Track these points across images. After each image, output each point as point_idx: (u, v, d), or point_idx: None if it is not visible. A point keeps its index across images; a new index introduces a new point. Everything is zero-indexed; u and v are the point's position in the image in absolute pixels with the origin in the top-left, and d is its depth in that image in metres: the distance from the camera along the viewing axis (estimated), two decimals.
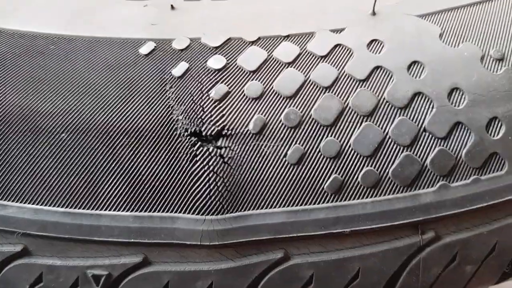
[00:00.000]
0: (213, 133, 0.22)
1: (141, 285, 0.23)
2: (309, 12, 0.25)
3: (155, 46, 0.23)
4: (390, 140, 0.22)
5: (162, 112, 0.22)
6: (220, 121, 0.22)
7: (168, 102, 0.22)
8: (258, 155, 0.22)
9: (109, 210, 0.22)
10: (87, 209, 0.22)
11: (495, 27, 0.24)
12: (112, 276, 0.23)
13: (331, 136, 0.22)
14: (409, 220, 0.22)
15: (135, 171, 0.22)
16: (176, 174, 0.22)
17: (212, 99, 0.22)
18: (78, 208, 0.22)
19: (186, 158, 0.22)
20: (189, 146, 0.22)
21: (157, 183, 0.22)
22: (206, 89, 0.22)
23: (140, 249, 0.22)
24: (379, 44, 0.23)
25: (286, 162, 0.22)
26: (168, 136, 0.22)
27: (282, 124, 0.22)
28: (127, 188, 0.22)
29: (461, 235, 0.23)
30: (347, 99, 0.22)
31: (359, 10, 0.25)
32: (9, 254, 0.23)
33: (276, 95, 0.22)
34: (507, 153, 0.22)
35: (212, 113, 0.22)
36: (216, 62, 0.23)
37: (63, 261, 0.23)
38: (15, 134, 0.22)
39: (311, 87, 0.22)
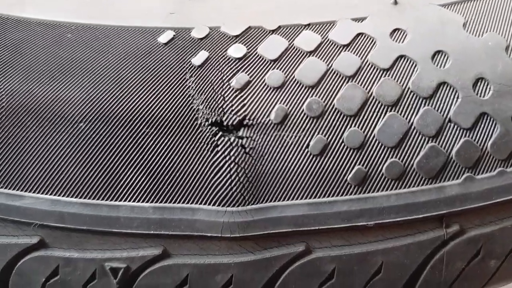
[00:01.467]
0: (234, 123, 0.21)
1: (160, 278, 0.22)
2: (330, 1, 0.25)
3: (174, 35, 0.23)
4: (415, 130, 0.21)
5: (183, 101, 0.22)
6: (242, 111, 0.22)
7: (188, 91, 0.22)
8: (280, 146, 0.21)
9: (129, 201, 0.21)
10: (106, 200, 0.22)
11: None
12: (131, 269, 0.22)
13: (354, 126, 0.21)
14: (434, 213, 0.22)
15: (155, 161, 0.21)
16: (197, 165, 0.21)
17: (233, 88, 0.22)
18: (97, 199, 0.22)
19: (207, 148, 0.21)
20: (210, 136, 0.21)
21: (178, 174, 0.21)
22: (227, 78, 0.22)
23: (159, 241, 0.22)
24: (402, 33, 0.23)
25: (309, 153, 0.21)
26: (189, 126, 0.21)
27: (305, 114, 0.21)
28: (147, 179, 0.21)
29: (486, 229, 0.22)
30: (370, 88, 0.22)
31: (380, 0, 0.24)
32: (25, 246, 0.23)
33: (298, 84, 0.22)
34: None
35: (233, 102, 0.22)
36: (236, 50, 0.23)
37: (81, 254, 0.23)
38: (32, 123, 0.22)
39: (334, 76, 0.22)
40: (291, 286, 0.23)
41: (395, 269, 0.22)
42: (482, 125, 0.22)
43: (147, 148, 0.21)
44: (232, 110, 0.22)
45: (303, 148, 0.21)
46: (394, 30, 0.23)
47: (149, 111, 0.21)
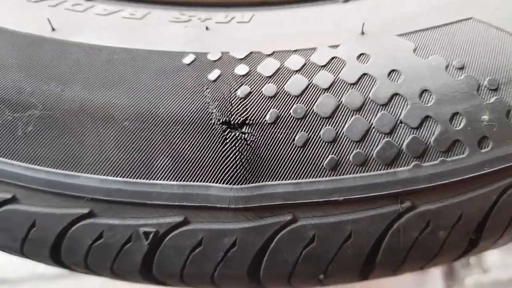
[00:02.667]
0: (239, 122, 0.29)
1: (181, 240, 0.29)
2: (313, 32, 0.32)
3: (195, 58, 0.31)
4: (374, 129, 0.28)
5: (201, 107, 0.29)
6: (244, 114, 0.29)
7: (205, 99, 0.29)
8: (272, 140, 0.28)
9: (159, 180, 0.29)
10: (143, 179, 0.29)
11: (457, 43, 0.30)
12: (159, 232, 0.29)
13: (328, 125, 0.28)
14: (390, 191, 0.28)
15: (180, 150, 0.28)
16: (211, 153, 0.28)
17: (238, 97, 0.29)
18: (136, 178, 0.29)
19: (218, 141, 0.28)
20: (221, 132, 0.29)
21: (197, 160, 0.28)
22: (234, 90, 0.29)
23: (181, 211, 0.29)
24: (366, 56, 0.30)
25: (294, 145, 0.28)
26: (206, 125, 0.29)
27: (291, 116, 0.29)
28: (174, 163, 0.28)
29: (433, 206, 0.29)
30: (341, 98, 0.29)
31: (351, 31, 0.32)
32: (78, 215, 0.30)
33: (287, 94, 0.29)
34: (467, 140, 0.28)
35: (238, 107, 0.29)
36: (241, 69, 0.30)
37: (121, 221, 0.30)
38: (88, 122, 0.29)
39: (314, 88, 0.29)
40: (281, 248, 0.29)
41: (362, 235, 0.29)
42: (426, 125, 0.29)
43: (174, 141, 0.29)
44: (238, 113, 0.29)
45: (290, 142, 0.28)
46: (360, 54, 0.30)
47: (177, 113, 0.29)
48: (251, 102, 0.29)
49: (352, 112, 0.29)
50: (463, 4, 0.33)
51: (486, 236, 0.31)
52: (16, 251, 0.33)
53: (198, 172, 0.28)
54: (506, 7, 0.32)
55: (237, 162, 0.28)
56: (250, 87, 0.29)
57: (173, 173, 0.29)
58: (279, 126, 0.29)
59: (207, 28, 0.33)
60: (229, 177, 0.28)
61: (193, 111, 0.29)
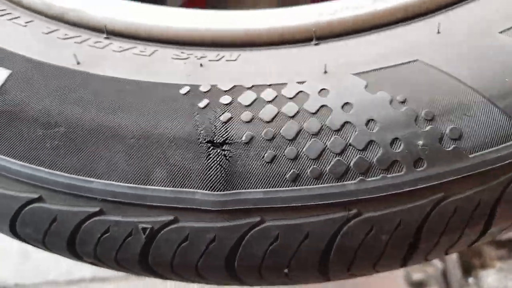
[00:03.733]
0: (221, 142, 0.36)
1: (171, 235, 0.36)
2: (286, 70, 0.40)
3: (189, 89, 0.38)
4: (328, 150, 0.35)
5: (192, 128, 0.36)
6: (225, 135, 0.36)
7: (195, 123, 0.37)
8: (247, 156, 0.36)
9: (156, 186, 0.36)
10: (143, 185, 0.36)
11: (402, 81, 0.37)
12: (154, 228, 0.36)
13: (292, 146, 0.36)
14: (340, 200, 0.35)
15: (174, 162, 0.36)
16: (198, 165, 0.36)
17: (221, 121, 0.37)
18: (137, 184, 0.36)
19: (204, 156, 0.36)
20: (206, 149, 0.36)
21: (186, 170, 0.36)
22: (218, 116, 0.37)
23: (172, 212, 0.36)
24: (327, 91, 0.37)
25: (264, 161, 0.35)
26: (194, 143, 0.36)
27: (262, 137, 0.36)
28: (168, 173, 0.36)
29: (376, 213, 0.35)
30: (303, 124, 0.36)
31: (316, 70, 0.39)
32: (90, 212, 0.37)
33: (260, 120, 0.36)
34: (404, 161, 0.35)
35: (221, 130, 0.36)
36: (225, 99, 0.38)
37: (124, 218, 0.37)
38: (103, 138, 0.37)
39: (282, 116, 0.36)
40: (251, 244, 0.36)
41: (317, 236, 0.36)
42: (371, 148, 0.35)
43: (169, 155, 0.36)
44: (220, 134, 0.36)
45: (261, 158, 0.35)
46: (322, 89, 0.37)
47: (172, 133, 0.36)
48: (231, 126, 0.36)
49: (311, 135, 0.36)
50: (411, 49, 0.40)
51: (423, 241, 0.37)
52: (39, 242, 0.41)
53: (187, 180, 0.36)
54: (445, 52, 0.39)
55: (218, 173, 0.35)
56: (231, 113, 0.37)
57: (167, 181, 0.36)
58: (252, 145, 0.36)
59: (201, 65, 0.41)
60: (212, 185, 0.36)
61: (185, 132, 0.36)
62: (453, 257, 1.35)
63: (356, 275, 0.42)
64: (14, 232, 0.41)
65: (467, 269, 1.38)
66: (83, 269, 1.28)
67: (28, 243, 0.43)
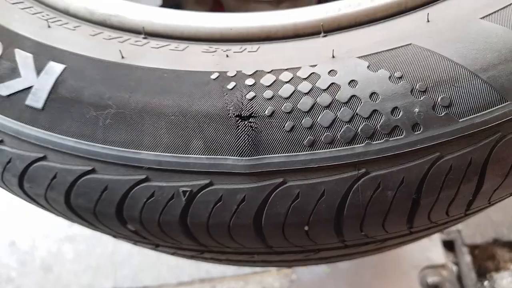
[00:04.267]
0: (247, 115, 0.43)
1: (208, 197, 0.43)
2: (299, 57, 0.47)
3: (218, 75, 0.45)
4: (338, 119, 0.42)
5: (222, 105, 0.43)
6: (251, 110, 0.43)
7: (225, 101, 0.43)
8: (270, 127, 0.42)
9: (194, 154, 0.42)
10: (183, 154, 0.43)
11: (399, 61, 0.44)
12: (192, 191, 0.43)
13: (308, 117, 0.42)
14: (350, 161, 0.41)
15: (208, 134, 0.42)
16: (228, 136, 0.42)
17: (247, 99, 0.43)
18: (178, 153, 0.43)
19: (234, 128, 0.42)
20: (235, 122, 0.42)
21: (219, 140, 0.42)
22: (244, 94, 0.44)
23: (208, 176, 0.42)
24: (335, 72, 0.44)
25: (284, 130, 0.42)
26: (225, 117, 0.43)
27: (282, 111, 0.42)
28: (204, 143, 0.42)
29: (382, 172, 0.42)
30: (316, 98, 0.43)
31: (325, 55, 0.46)
32: (138, 179, 0.43)
33: (280, 97, 0.43)
34: (404, 126, 0.41)
35: (247, 106, 0.43)
36: (249, 81, 0.44)
37: (167, 183, 0.43)
38: (148, 116, 0.44)
39: (298, 92, 0.43)
40: (276, 202, 0.42)
41: (332, 193, 0.42)
42: (374, 116, 0.42)
43: (204, 128, 0.43)
44: (246, 109, 0.43)
45: (281, 128, 0.42)
46: (331, 71, 0.44)
47: (206, 110, 0.43)
48: (255, 102, 0.43)
49: (324, 108, 0.42)
50: (404, 35, 0.47)
51: (425, 196, 0.43)
52: (89, 211, 0.47)
53: (219, 148, 0.42)
54: (434, 36, 0.45)
55: (246, 142, 0.42)
56: (255, 92, 0.44)
57: (203, 150, 0.42)
58: (274, 117, 0.42)
59: (227, 56, 0.48)
60: (241, 152, 0.42)
61: (217, 108, 0.43)
62: (467, 260, 1.39)
63: (368, 235, 0.48)
64: (68, 204, 0.47)
65: (482, 272, 1.41)
66: (104, 282, 1.34)
67: (78, 215, 0.49)
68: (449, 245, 1.43)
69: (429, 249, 1.38)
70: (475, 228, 1.46)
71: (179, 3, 0.94)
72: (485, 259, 1.45)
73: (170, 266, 1.31)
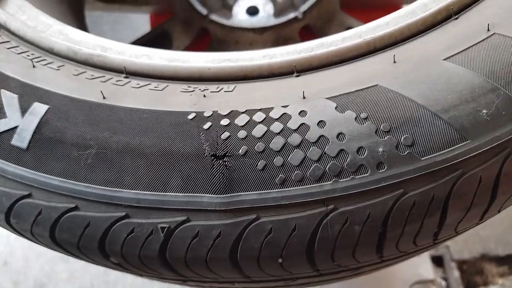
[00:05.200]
0: (222, 155, 0.45)
1: (185, 232, 0.45)
2: (272, 97, 0.49)
3: (195, 115, 0.48)
4: (307, 158, 0.44)
5: (199, 146, 0.46)
6: (226, 149, 0.45)
7: (201, 141, 0.46)
8: (243, 165, 0.45)
9: (172, 192, 0.45)
10: (161, 192, 0.45)
11: (364, 102, 0.47)
12: (170, 227, 0.45)
13: (279, 156, 0.45)
14: (319, 198, 0.44)
15: (185, 173, 0.45)
16: (204, 174, 0.45)
17: (222, 139, 0.46)
18: (157, 192, 0.45)
19: (209, 167, 0.45)
20: (211, 161, 0.45)
21: (195, 179, 0.45)
22: (219, 134, 0.46)
23: (185, 213, 0.45)
24: (305, 112, 0.47)
25: (257, 169, 0.44)
26: (201, 157, 0.45)
27: (255, 150, 0.45)
28: (182, 181, 0.45)
29: (349, 207, 0.44)
30: (287, 138, 0.45)
31: (297, 96, 0.48)
32: (118, 217, 0.46)
33: (253, 137, 0.46)
34: (369, 164, 0.44)
35: (222, 146, 0.45)
36: (224, 121, 0.47)
37: (146, 220, 0.45)
38: (128, 156, 0.46)
39: (270, 133, 0.46)
40: (250, 237, 0.44)
41: (303, 228, 0.44)
42: (341, 155, 0.44)
43: (181, 167, 0.45)
44: (221, 149, 0.45)
45: (254, 167, 0.44)
46: (301, 111, 0.47)
47: (183, 150, 0.45)
48: (230, 142, 0.46)
49: (294, 147, 0.45)
50: (372, 76, 0.49)
51: (390, 230, 0.45)
52: (73, 245, 0.49)
53: (196, 186, 0.45)
54: (399, 77, 0.48)
55: (221, 180, 0.44)
56: (229, 132, 0.46)
57: (180, 188, 0.45)
58: (248, 157, 0.45)
59: (204, 96, 0.50)
60: (216, 190, 0.44)
61: (194, 148, 0.46)
62: (456, 275, 1.41)
63: (341, 265, 0.50)
64: (53, 238, 0.49)
65: (470, 287, 1.43)
66: None
67: (63, 248, 0.51)
68: (437, 261, 1.45)
69: (418, 265, 1.40)
70: (463, 244, 1.48)
71: (166, 31, 0.97)
72: (473, 274, 1.47)
73: (163, 285, 1.32)
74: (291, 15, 0.98)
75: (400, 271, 1.41)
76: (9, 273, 1.41)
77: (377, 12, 1.15)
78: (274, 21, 0.98)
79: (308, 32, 1.02)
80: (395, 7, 1.12)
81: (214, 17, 0.98)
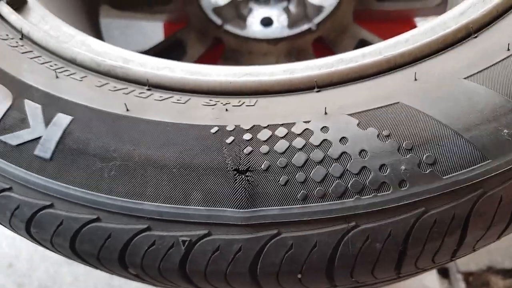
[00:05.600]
0: (244, 169, 0.45)
1: (205, 246, 0.45)
2: (294, 112, 0.50)
3: (218, 129, 0.48)
4: (329, 174, 0.44)
5: (221, 159, 0.46)
6: (248, 164, 0.45)
7: (224, 155, 0.46)
8: (265, 181, 0.45)
9: (194, 206, 0.45)
10: (183, 205, 0.45)
11: (386, 119, 0.47)
12: (192, 241, 0.45)
13: (301, 172, 0.45)
14: (340, 214, 0.44)
15: (207, 186, 0.45)
16: (226, 188, 0.45)
17: (245, 154, 0.46)
18: (179, 205, 0.45)
19: (231, 181, 0.45)
20: (233, 176, 0.45)
21: (218, 193, 0.45)
22: (242, 149, 0.46)
23: (207, 226, 0.45)
24: (327, 128, 0.47)
25: (279, 184, 0.45)
26: (224, 171, 0.45)
27: (278, 166, 0.45)
28: (203, 195, 0.45)
29: (370, 225, 0.44)
30: (309, 154, 0.45)
31: (319, 111, 0.49)
32: (140, 229, 0.46)
33: (276, 152, 0.46)
34: (391, 182, 0.44)
35: (245, 160, 0.46)
36: (247, 136, 0.47)
37: (168, 233, 0.45)
38: (151, 168, 0.46)
39: (292, 148, 0.46)
40: (270, 252, 0.44)
41: (324, 245, 0.44)
42: (363, 172, 0.44)
43: (204, 181, 0.45)
44: (244, 164, 0.46)
45: (276, 182, 0.45)
46: (323, 127, 0.47)
47: (206, 163, 0.46)
48: (252, 157, 0.46)
49: (316, 163, 0.45)
50: (393, 93, 0.50)
51: (411, 248, 0.45)
52: (93, 256, 0.49)
53: (218, 200, 0.45)
54: (421, 95, 0.49)
55: (243, 195, 0.45)
56: (252, 147, 0.46)
57: (202, 201, 0.45)
58: (270, 172, 0.45)
59: (226, 110, 0.51)
60: (238, 204, 0.45)
61: (216, 162, 0.46)
62: (462, 287, 1.40)
63: (358, 281, 0.50)
64: (73, 249, 0.50)
65: None
66: None
67: (83, 259, 0.51)
68: (443, 272, 1.45)
69: (423, 276, 1.40)
70: (469, 256, 1.47)
71: (180, 40, 0.98)
72: (479, 286, 1.46)
73: None
74: (305, 27, 0.99)
75: (405, 282, 1.40)
76: (13, 276, 1.41)
77: (389, 24, 1.16)
78: (288, 32, 0.99)
79: (321, 43, 1.03)
80: (407, 19, 1.13)
81: (229, 27, 0.99)
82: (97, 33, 1.00)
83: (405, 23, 1.07)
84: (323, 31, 1.02)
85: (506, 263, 1.50)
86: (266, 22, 1.00)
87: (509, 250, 1.49)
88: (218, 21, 0.99)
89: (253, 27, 0.99)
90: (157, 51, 1.03)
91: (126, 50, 0.58)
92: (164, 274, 0.48)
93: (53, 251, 0.54)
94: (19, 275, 1.41)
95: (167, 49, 1.03)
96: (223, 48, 1.03)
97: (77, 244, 0.49)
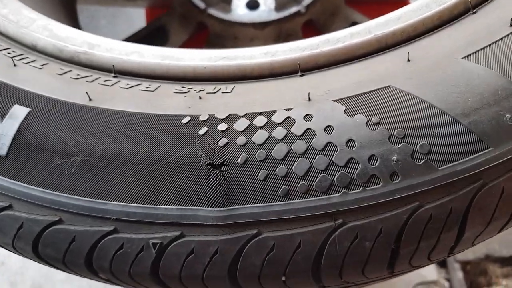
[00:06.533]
0: (219, 164, 0.41)
1: (179, 249, 0.41)
2: (275, 99, 0.45)
3: (190, 119, 0.43)
4: (313, 167, 0.40)
5: (193, 153, 0.41)
6: (223, 157, 0.41)
7: (196, 148, 0.42)
8: (243, 175, 0.40)
9: (164, 205, 0.41)
10: (152, 204, 0.41)
11: (376, 105, 0.42)
12: (163, 243, 0.41)
13: (282, 165, 0.40)
14: (326, 211, 0.40)
15: (178, 183, 0.41)
16: (199, 185, 0.40)
17: (219, 146, 0.41)
18: (147, 204, 0.41)
19: (205, 177, 0.41)
20: (207, 171, 0.41)
21: (190, 190, 0.40)
22: (216, 141, 0.42)
23: (179, 227, 0.41)
24: (311, 116, 0.42)
25: (258, 179, 0.40)
26: (196, 165, 0.41)
27: (256, 159, 0.41)
28: (174, 193, 0.40)
29: (359, 222, 0.40)
30: (291, 145, 0.41)
31: (301, 98, 0.44)
32: (106, 231, 0.42)
33: (254, 144, 0.41)
34: (381, 174, 0.40)
35: (219, 153, 0.41)
36: (222, 127, 0.43)
37: (136, 235, 0.41)
38: (115, 164, 0.42)
39: (272, 139, 0.41)
40: (250, 254, 0.40)
41: (308, 245, 0.40)
42: (351, 164, 0.40)
43: (174, 177, 0.41)
44: (218, 157, 0.41)
45: (255, 177, 0.40)
46: (306, 115, 0.42)
47: (176, 157, 0.41)
48: (228, 150, 0.41)
49: (299, 155, 0.41)
50: (384, 76, 0.45)
51: (404, 246, 0.41)
52: (58, 261, 0.45)
53: (190, 199, 0.40)
54: (414, 78, 0.44)
55: (218, 192, 0.40)
56: (227, 139, 0.42)
57: (173, 200, 0.41)
58: (247, 166, 0.41)
59: (200, 97, 0.46)
60: (212, 202, 0.40)
61: (188, 156, 0.41)
62: (459, 276, 1.38)
63: (349, 282, 0.46)
64: (36, 253, 0.45)
65: None
66: None
67: (48, 263, 0.47)
68: (441, 261, 1.42)
69: None
70: None
71: (163, 26, 0.93)
72: (477, 274, 1.44)
73: None
74: (294, 9, 0.94)
75: None
76: (6, 274, 1.38)
77: (384, 6, 1.10)
78: (275, 16, 0.93)
79: (311, 27, 0.98)
80: (403, 1, 1.07)
81: (212, 11, 0.94)
82: (74, 21, 0.95)
83: (400, 5, 1.02)
84: (313, 13, 0.96)
85: (504, 251, 1.47)
86: (252, 4, 0.95)
87: (507, 238, 1.47)
88: (201, 4, 0.93)
89: (239, 10, 0.94)
90: (139, 38, 0.98)
91: (92, 34, 0.53)
92: (137, 279, 0.44)
93: (21, 256, 0.50)
94: (11, 274, 1.37)
95: (149, 36, 0.98)
96: (208, 34, 0.97)
97: (40, 248, 0.44)
